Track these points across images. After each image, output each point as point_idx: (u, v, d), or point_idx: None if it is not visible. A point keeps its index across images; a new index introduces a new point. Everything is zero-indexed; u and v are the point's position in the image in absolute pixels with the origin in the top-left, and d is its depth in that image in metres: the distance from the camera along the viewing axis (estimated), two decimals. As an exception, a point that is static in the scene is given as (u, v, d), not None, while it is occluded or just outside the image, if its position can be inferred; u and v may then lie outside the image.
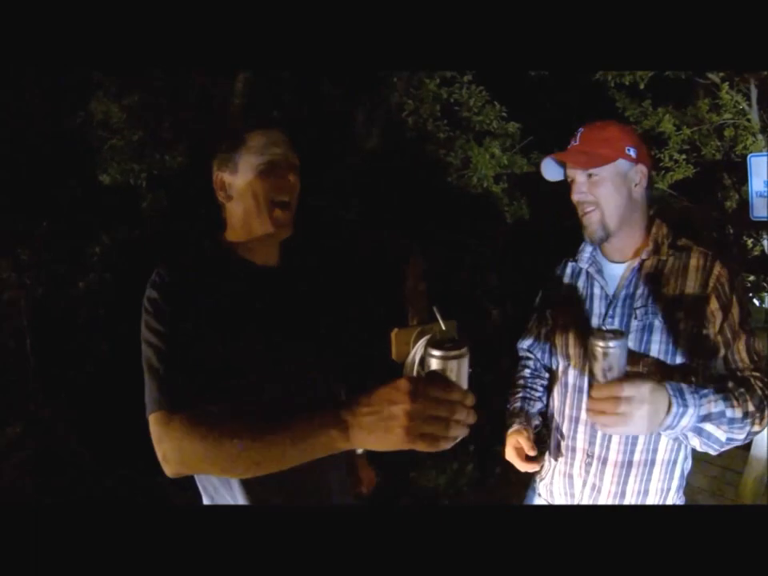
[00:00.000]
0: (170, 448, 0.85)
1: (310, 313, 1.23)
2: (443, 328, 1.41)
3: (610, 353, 0.97)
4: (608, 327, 1.07)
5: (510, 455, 1.31)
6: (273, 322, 1.14)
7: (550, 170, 1.31)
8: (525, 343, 1.45)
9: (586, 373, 1.29)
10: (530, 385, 1.44)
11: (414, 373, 1.42)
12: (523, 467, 1.29)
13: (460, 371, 0.75)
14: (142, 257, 3.10)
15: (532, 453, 1.27)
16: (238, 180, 1.13)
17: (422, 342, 1.43)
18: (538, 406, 1.44)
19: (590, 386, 1.02)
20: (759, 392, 1.06)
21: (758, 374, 1.11)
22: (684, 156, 4.06)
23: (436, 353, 0.74)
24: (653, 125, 3.99)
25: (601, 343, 0.96)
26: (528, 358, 1.47)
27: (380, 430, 0.73)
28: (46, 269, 3.36)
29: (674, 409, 1.01)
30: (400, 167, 1.92)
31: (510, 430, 1.32)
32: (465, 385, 0.76)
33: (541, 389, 1.45)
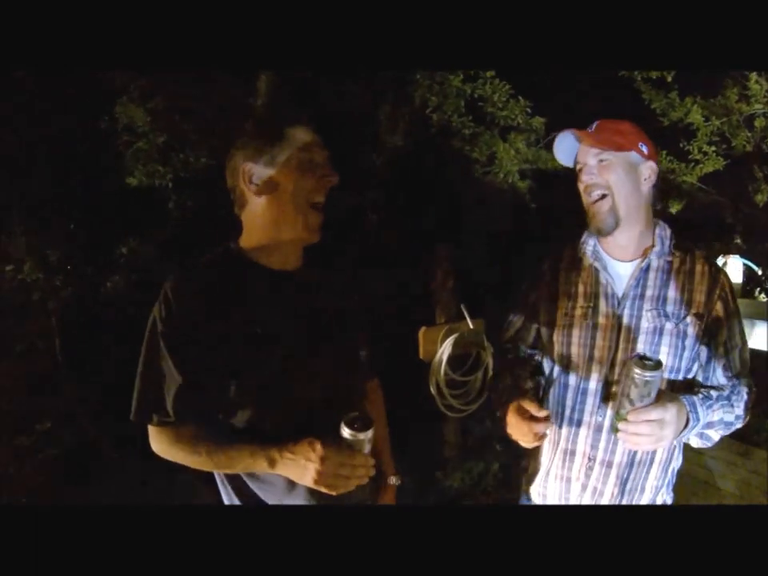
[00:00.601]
0: (160, 450, 1.07)
1: (329, 317, 1.18)
2: (471, 326, 1.39)
3: (650, 381, 1.04)
4: (646, 355, 1.07)
5: (514, 425, 1.20)
6: (290, 328, 1.10)
7: (563, 152, 1.28)
8: (507, 337, 1.39)
9: (592, 374, 1.27)
10: (519, 368, 1.37)
11: (442, 372, 1.41)
12: (532, 433, 1.19)
13: (364, 443, 0.97)
14: (167, 258, 3.15)
15: (542, 413, 1.21)
16: (274, 174, 1.06)
17: (449, 341, 1.42)
18: (529, 384, 1.38)
19: (620, 408, 1.08)
20: (746, 396, 1.17)
21: (745, 379, 1.19)
22: (713, 148, 3.95)
23: (346, 430, 0.96)
24: (681, 116, 3.89)
25: (644, 373, 1.04)
26: (513, 348, 1.39)
27: (295, 473, 0.98)
28: (75, 271, 3.43)
29: (690, 423, 1.10)
30: (425, 164, 1.90)
31: (507, 405, 1.23)
32: (367, 451, 0.99)
33: (529, 372, 1.39)
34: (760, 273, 4.78)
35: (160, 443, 1.06)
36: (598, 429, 1.26)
